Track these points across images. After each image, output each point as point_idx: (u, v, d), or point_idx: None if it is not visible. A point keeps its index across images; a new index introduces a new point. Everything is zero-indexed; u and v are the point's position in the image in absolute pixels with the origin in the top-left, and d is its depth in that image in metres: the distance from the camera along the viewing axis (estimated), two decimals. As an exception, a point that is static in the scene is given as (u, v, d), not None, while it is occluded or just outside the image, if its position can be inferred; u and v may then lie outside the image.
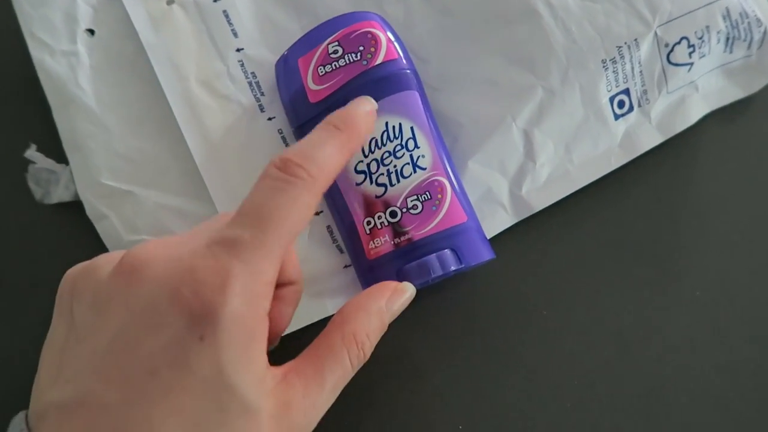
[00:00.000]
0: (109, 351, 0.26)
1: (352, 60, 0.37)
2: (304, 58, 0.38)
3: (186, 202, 0.40)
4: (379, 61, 0.37)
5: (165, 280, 0.26)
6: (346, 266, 0.40)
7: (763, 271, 0.43)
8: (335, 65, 0.37)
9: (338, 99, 0.37)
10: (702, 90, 0.44)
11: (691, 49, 0.42)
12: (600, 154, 0.43)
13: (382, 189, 0.37)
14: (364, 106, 0.33)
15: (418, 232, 0.36)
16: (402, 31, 0.40)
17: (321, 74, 0.37)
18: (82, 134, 0.40)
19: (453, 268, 0.36)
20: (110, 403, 0.25)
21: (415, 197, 0.37)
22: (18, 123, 0.43)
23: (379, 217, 0.37)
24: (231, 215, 0.28)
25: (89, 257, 0.31)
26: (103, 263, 0.29)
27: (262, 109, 0.41)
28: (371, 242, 0.37)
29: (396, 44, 0.38)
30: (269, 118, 0.41)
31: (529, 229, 0.42)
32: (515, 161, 0.42)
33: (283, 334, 0.35)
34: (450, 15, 0.41)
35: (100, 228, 0.40)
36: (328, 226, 0.40)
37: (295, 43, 0.39)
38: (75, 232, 0.41)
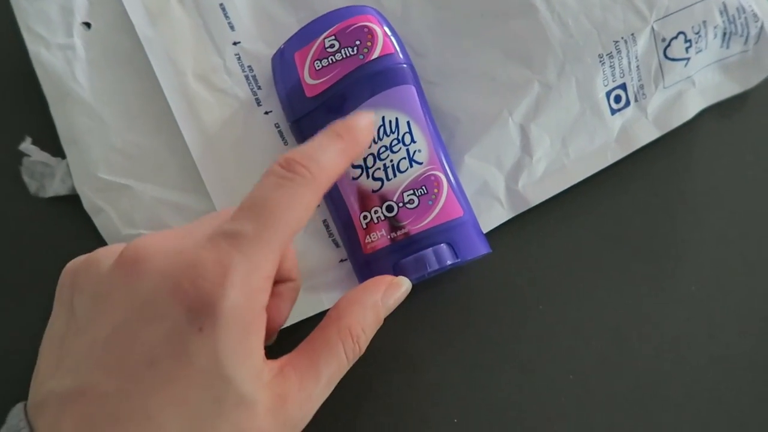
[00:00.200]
0: (109, 342, 0.26)
1: (348, 54, 0.37)
2: (301, 53, 0.38)
3: (183, 197, 0.41)
4: (375, 55, 0.37)
5: (165, 272, 0.27)
6: (341, 260, 0.41)
7: (759, 265, 0.43)
8: (332, 59, 0.38)
9: (335, 93, 0.37)
10: (699, 85, 0.44)
11: (688, 44, 0.43)
12: (596, 148, 0.43)
13: (379, 183, 0.37)
14: (365, 118, 0.34)
15: (414, 226, 0.37)
16: (399, 25, 0.41)
17: (317, 68, 0.38)
18: (78, 128, 0.40)
19: (449, 262, 0.36)
20: (109, 392, 0.26)
21: (412, 192, 0.37)
22: (14, 116, 0.44)
23: (376, 212, 0.37)
24: (233, 211, 0.29)
25: (84, 250, 0.31)
26: (104, 256, 0.29)
27: (258, 103, 0.41)
28: (368, 237, 0.37)
29: (392, 38, 0.38)
30: (266, 112, 0.41)
31: (526, 223, 0.43)
32: (512, 156, 0.42)
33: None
34: (447, 9, 0.42)
35: (98, 222, 0.41)
36: (324, 221, 0.41)
37: (292, 37, 0.39)
38: (70, 226, 0.42)
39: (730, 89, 0.45)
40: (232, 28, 0.41)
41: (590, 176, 0.43)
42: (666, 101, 0.44)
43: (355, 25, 0.38)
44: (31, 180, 0.42)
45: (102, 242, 0.41)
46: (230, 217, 0.28)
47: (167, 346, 0.26)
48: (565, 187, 0.43)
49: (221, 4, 0.41)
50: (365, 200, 0.37)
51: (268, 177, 0.29)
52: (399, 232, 0.37)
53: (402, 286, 0.34)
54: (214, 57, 0.41)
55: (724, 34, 0.44)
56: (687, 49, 0.43)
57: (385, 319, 0.33)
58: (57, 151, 0.42)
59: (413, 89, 0.38)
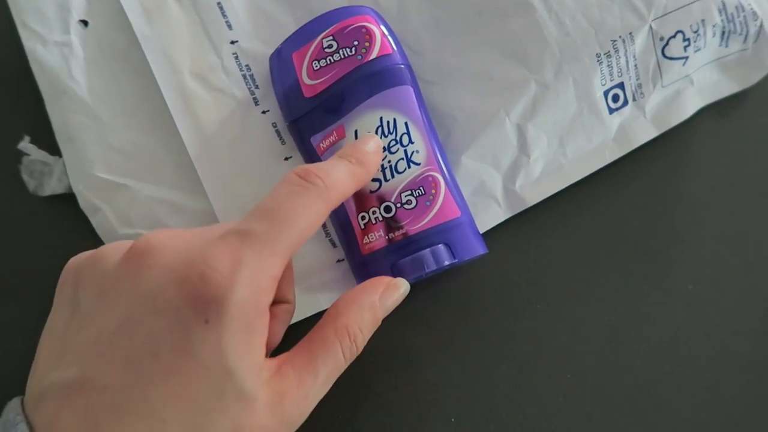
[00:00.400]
0: (114, 334, 0.27)
1: (346, 54, 0.38)
2: (299, 53, 0.39)
3: (180, 196, 0.41)
4: (373, 55, 0.38)
5: (173, 266, 0.27)
6: (339, 260, 0.41)
7: (756, 265, 0.44)
8: (330, 60, 0.38)
9: (333, 94, 0.38)
10: (697, 84, 0.45)
11: (687, 43, 0.43)
12: (594, 148, 0.43)
13: (377, 184, 0.37)
14: (373, 144, 0.36)
15: (412, 227, 0.37)
16: (396, 24, 0.41)
17: (315, 69, 0.38)
18: (75, 126, 0.41)
19: (447, 262, 0.37)
20: (111, 384, 0.26)
21: (409, 192, 0.37)
22: (12, 114, 0.44)
23: (374, 212, 0.37)
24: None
25: (82, 249, 0.32)
26: (110, 252, 0.30)
27: (256, 103, 0.41)
28: (365, 237, 0.38)
29: (390, 39, 0.38)
30: (263, 112, 0.41)
31: (523, 223, 0.43)
32: (509, 155, 0.42)
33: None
34: (444, 8, 0.42)
35: (94, 221, 0.41)
36: (322, 220, 0.41)
37: (289, 37, 0.39)
38: (68, 224, 0.42)
39: (728, 88, 0.46)
40: (229, 26, 0.42)
41: (588, 176, 0.43)
42: (664, 100, 0.44)
43: (353, 26, 0.38)
44: (29, 179, 0.42)
45: (99, 241, 0.41)
46: (244, 217, 0.29)
47: (172, 338, 0.26)
48: (563, 187, 0.43)
49: (219, 3, 0.42)
50: (363, 201, 0.38)
51: (283, 184, 0.30)
52: (397, 233, 0.37)
53: (400, 287, 0.34)
54: (212, 56, 0.41)
55: (723, 32, 0.44)
56: (685, 47, 0.43)
57: (383, 319, 0.33)
58: (55, 149, 0.42)
59: (411, 90, 0.38)
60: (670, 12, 0.42)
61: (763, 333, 0.42)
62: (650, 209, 0.44)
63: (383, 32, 0.38)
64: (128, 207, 0.40)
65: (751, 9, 0.43)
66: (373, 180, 0.37)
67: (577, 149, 0.43)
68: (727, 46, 0.45)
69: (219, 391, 0.26)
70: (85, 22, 0.42)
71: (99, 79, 0.41)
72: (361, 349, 0.32)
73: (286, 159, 0.41)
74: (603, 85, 0.42)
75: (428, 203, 0.37)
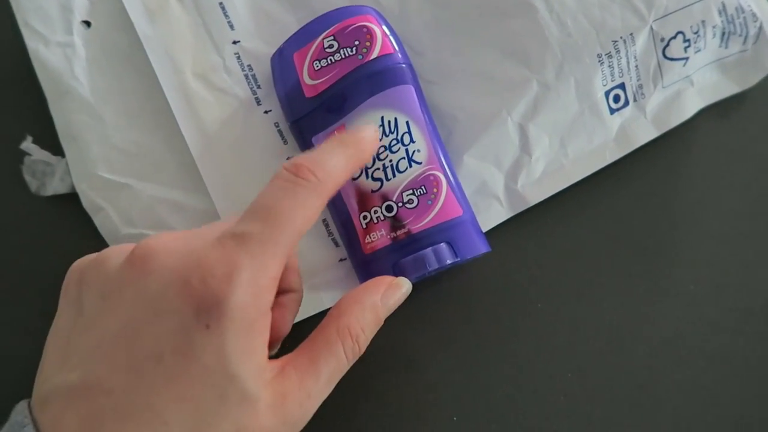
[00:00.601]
0: (117, 337, 0.27)
1: (347, 54, 0.38)
2: (300, 53, 0.39)
3: (182, 195, 0.41)
4: (374, 55, 0.38)
5: (175, 270, 0.27)
6: (341, 260, 0.41)
7: (756, 264, 0.44)
8: (331, 59, 0.38)
9: (334, 93, 0.38)
10: (697, 85, 0.45)
11: (687, 44, 0.43)
12: (595, 148, 0.43)
13: (378, 183, 0.38)
14: (370, 129, 0.35)
15: (414, 226, 0.37)
16: (397, 24, 0.41)
17: (317, 69, 0.38)
18: (77, 126, 0.41)
19: (449, 261, 0.37)
20: (114, 388, 0.26)
21: (411, 191, 0.37)
22: (14, 115, 0.44)
23: (376, 212, 0.38)
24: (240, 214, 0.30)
25: (84, 249, 0.32)
26: (113, 255, 0.30)
27: (258, 102, 0.42)
28: (367, 236, 0.38)
29: (391, 38, 0.39)
30: (265, 111, 0.42)
31: (524, 222, 0.43)
32: (510, 155, 0.42)
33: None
34: (445, 7, 0.42)
35: (97, 220, 0.41)
36: (324, 220, 0.41)
37: (290, 37, 0.39)
38: (71, 224, 0.42)
39: (728, 89, 0.46)
40: (231, 27, 0.42)
41: (589, 176, 0.44)
42: (665, 101, 0.44)
43: (354, 25, 0.38)
44: (32, 179, 0.42)
45: (102, 241, 0.41)
46: (239, 218, 0.29)
47: (174, 342, 0.26)
48: (564, 187, 0.43)
49: (221, 3, 0.42)
50: (365, 200, 0.38)
51: (275, 181, 0.30)
52: (399, 232, 0.37)
53: (402, 287, 0.34)
54: (214, 56, 0.42)
55: (723, 33, 0.44)
56: (686, 48, 0.43)
57: (384, 318, 0.33)
58: (57, 149, 0.42)
59: (412, 89, 0.38)
60: (670, 13, 0.42)
61: (763, 333, 0.43)
62: (651, 209, 0.44)
63: (384, 32, 0.38)
64: (131, 206, 0.41)
65: (751, 10, 0.44)
66: (375, 179, 0.38)
67: (579, 149, 0.43)
68: (727, 47, 0.45)
69: (222, 394, 0.27)
70: (87, 23, 0.42)
71: (101, 79, 0.42)
72: (363, 349, 0.32)
73: (288, 158, 0.41)
74: (604, 85, 0.43)
75: (430, 202, 0.37)
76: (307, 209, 0.30)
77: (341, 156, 0.32)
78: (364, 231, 0.38)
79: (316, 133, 0.39)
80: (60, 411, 0.27)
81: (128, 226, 0.41)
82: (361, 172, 0.38)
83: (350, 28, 0.38)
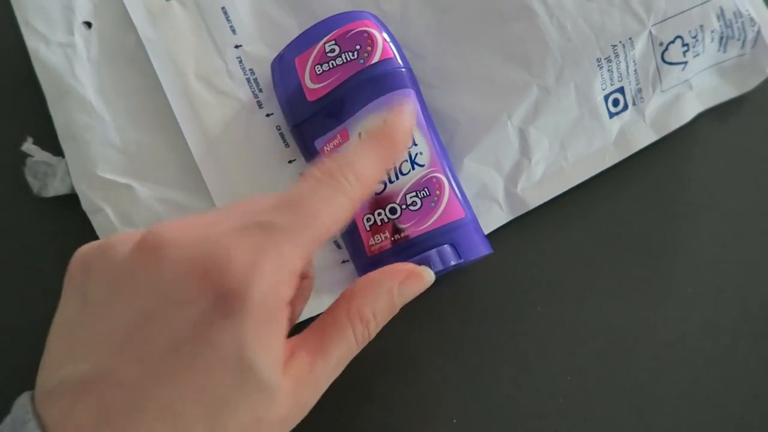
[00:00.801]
0: (130, 327, 0.26)
1: (349, 59, 0.38)
2: (301, 57, 0.39)
3: (183, 196, 0.41)
4: (375, 59, 0.38)
5: (192, 258, 0.27)
6: (343, 261, 0.42)
7: (756, 268, 0.44)
8: (332, 64, 0.39)
9: (336, 97, 0.39)
10: (696, 89, 0.46)
11: (686, 48, 0.44)
12: (594, 151, 0.44)
13: (382, 186, 0.38)
14: (405, 120, 0.33)
15: (417, 228, 0.38)
16: (398, 28, 0.42)
17: (318, 73, 0.39)
18: (77, 126, 0.41)
19: (453, 262, 0.37)
20: (127, 379, 0.26)
21: (414, 194, 0.38)
22: (15, 116, 0.44)
23: (379, 214, 0.38)
24: (260, 201, 0.29)
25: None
26: (119, 242, 0.29)
27: (260, 106, 0.42)
28: (371, 239, 0.38)
29: (391, 43, 0.39)
30: (267, 115, 0.42)
31: (524, 225, 0.44)
32: (510, 158, 0.43)
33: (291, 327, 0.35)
34: (446, 12, 0.43)
35: (96, 221, 0.41)
36: (326, 222, 0.42)
37: (291, 42, 0.40)
38: (72, 225, 0.42)
39: (727, 93, 0.47)
40: (233, 31, 0.42)
41: (589, 179, 0.44)
42: (664, 104, 0.45)
43: (355, 30, 0.39)
44: (34, 180, 0.43)
45: (103, 242, 0.41)
46: (267, 207, 0.28)
47: (191, 332, 0.26)
48: (564, 190, 0.44)
49: (223, 8, 0.42)
50: (368, 203, 0.38)
51: (307, 179, 0.29)
52: (402, 234, 0.38)
53: (423, 277, 0.33)
54: (216, 59, 0.42)
55: (721, 38, 0.45)
56: (684, 53, 0.44)
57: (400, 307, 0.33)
58: (58, 150, 0.42)
59: (413, 93, 0.39)
60: (669, 17, 0.43)
61: (763, 334, 0.43)
62: (650, 212, 0.45)
63: (384, 37, 0.39)
64: (131, 207, 0.41)
65: (749, 15, 0.44)
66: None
67: (578, 153, 0.44)
68: (725, 51, 0.46)
69: (239, 385, 0.26)
70: (88, 24, 0.43)
71: (102, 79, 0.42)
72: (374, 334, 0.31)
73: (290, 162, 0.42)
74: (603, 89, 0.43)
75: (433, 204, 0.38)
76: (337, 210, 0.29)
77: (372, 157, 0.31)
78: (367, 233, 0.38)
79: (317, 137, 0.39)
80: (69, 404, 0.26)
81: (128, 227, 0.41)
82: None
83: (351, 33, 0.39)
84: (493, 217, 0.43)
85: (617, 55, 0.43)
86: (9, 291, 0.42)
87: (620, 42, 0.42)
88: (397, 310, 0.33)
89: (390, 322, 0.33)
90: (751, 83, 0.47)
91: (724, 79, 0.47)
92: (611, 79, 0.43)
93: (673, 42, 0.43)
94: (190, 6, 0.42)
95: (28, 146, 0.43)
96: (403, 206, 0.38)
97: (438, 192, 0.38)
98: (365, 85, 0.38)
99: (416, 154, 0.38)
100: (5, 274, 0.42)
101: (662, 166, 0.46)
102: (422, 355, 0.42)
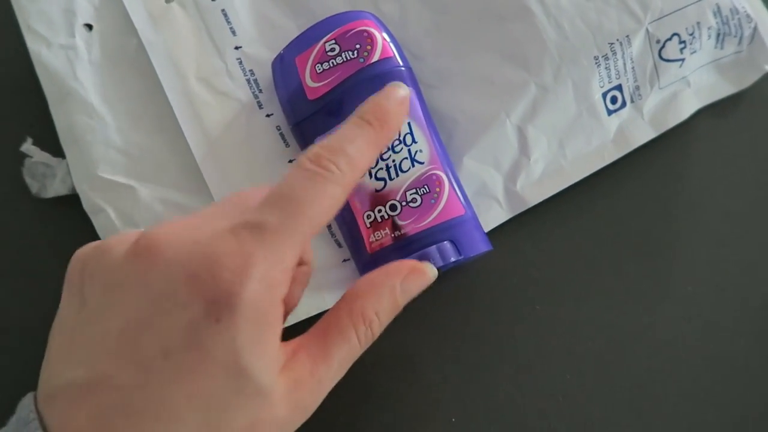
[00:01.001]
0: (123, 332, 0.26)
1: (349, 58, 0.39)
2: (302, 56, 0.40)
3: (184, 197, 0.42)
4: (375, 58, 0.39)
5: (183, 263, 0.27)
6: (344, 260, 0.42)
7: (755, 266, 0.45)
8: (333, 63, 0.39)
9: (336, 96, 0.39)
10: (694, 85, 0.46)
11: (683, 45, 0.44)
12: (593, 149, 0.44)
13: (382, 183, 0.38)
14: (397, 95, 0.33)
15: (417, 224, 0.38)
16: (397, 29, 0.42)
17: (319, 72, 0.39)
18: (79, 127, 0.42)
19: (453, 259, 0.38)
20: (123, 385, 0.26)
21: (414, 191, 0.38)
22: (14, 117, 0.45)
23: (379, 211, 0.38)
24: (252, 195, 0.29)
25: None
26: (116, 243, 0.29)
27: (260, 106, 0.42)
28: (372, 236, 0.39)
29: (391, 43, 0.40)
30: (267, 115, 0.42)
31: (523, 224, 0.44)
32: (509, 157, 0.43)
33: (289, 316, 0.34)
34: (444, 13, 0.43)
35: (97, 222, 0.41)
36: (327, 221, 0.42)
37: (292, 42, 0.40)
38: (72, 226, 0.42)
39: (725, 89, 0.47)
40: (233, 32, 0.43)
41: (588, 177, 0.44)
42: (662, 102, 0.46)
43: (355, 30, 0.39)
44: (32, 181, 0.43)
45: (104, 243, 0.41)
46: (256, 206, 0.28)
47: (183, 337, 0.26)
48: (563, 188, 0.44)
49: (223, 10, 0.43)
50: (369, 200, 0.39)
51: (295, 171, 0.29)
52: (402, 231, 0.38)
53: (426, 272, 0.33)
54: (216, 60, 0.43)
55: (718, 34, 0.45)
56: (681, 50, 0.44)
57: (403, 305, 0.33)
58: (58, 151, 0.43)
59: (412, 91, 0.39)
60: (665, 15, 0.43)
61: (763, 333, 0.43)
62: (648, 210, 0.45)
63: (384, 36, 0.40)
64: (132, 208, 0.41)
65: (745, 11, 0.45)
66: (378, 179, 0.38)
67: (577, 150, 0.44)
68: (722, 48, 0.46)
69: (234, 388, 0.26)
70: (89, 26, 0.43)
71: (104, 81, 0.43)
72: (377, 334, 0.31)
73: (290, 161, 0.42)
74: (601, 87, 0.44)
75: (433, 201, 0.38)
76: (328, 199, 0.29)
77: (363, 140, 0.31)
78: (368, 230, 0.39)
79: (318, 135, 0.39)
80: (68, 408, 0.26)
81: (129, 227, 0.41)
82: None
83: (351, 32, 0.39)
84: (493, 216, 0.43)
85: (614, 53, 0.43)
86: (10, 292, 0.42)
87: (617, 40, 0.43)
88: (400, 309, 0.32)
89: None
90: (749, 80, 0.47)
91: (722, 76, 0.47)
92: (609, 76, 0.44)
93: (670, 39, 0.44)
94: (190, 8, 0.43)
95: (28, 147, 0.43)
96: (403, 203, 0.38)
97: (438, 189, 0.38)
98: (365, 84, 0.39)
99: (416, 152, 0.39)
100: (6, 274, 0.43)
101: (661, 163, 0.46)
102: (421, 354, 0.42)
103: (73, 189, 0.42)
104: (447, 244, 0.38)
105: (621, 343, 0.43)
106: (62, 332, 0.29)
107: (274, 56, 0.41)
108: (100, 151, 0.42)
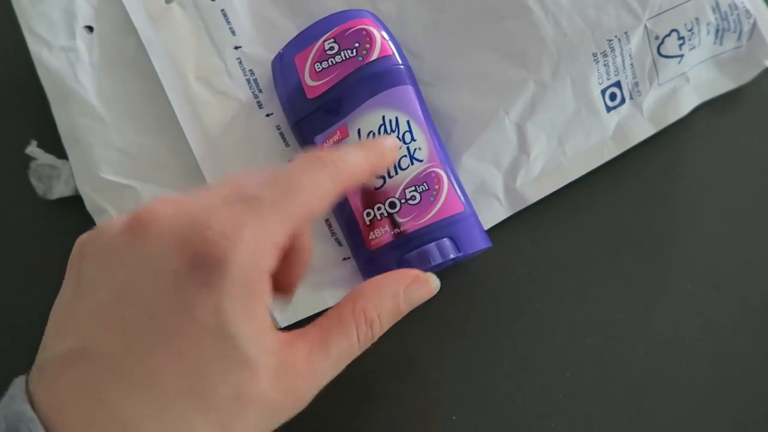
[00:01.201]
0: (112, 300, 0.27)
1: (348, 56, 0.39)
2: (301, 55, 0.40)
3: (184, 197, 0.42)
4: (374, 57, 0.39)
5: (173, 229, 0.27)
6: (345, 258, 0.42)
7: (753, 263, 0.45)
8: (332, 61, 0.39)
9: (335, 94, 0.39)
10: (693, 81, 0.46)
11: (681, 41, 0.44)
12: (592, 146, 0.45)
13: (381, 181, 0.39)
14: (390, 139, 0.37)
15: (417, 222, 0.38)
16: (395, 28, 0.42)
17: (318, 70, 0.40)
18: (80, 129, 0.42)
19: (452, 255, 0.38)
20: (108, 351, 0.26)
21: (414, 188, 0.39)
22: (19, 120, 0.45)
23: (379, 208, 0.39)
24: (250, 177, 0.30)
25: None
26: (113, 223, 0.29)
27: (260, 106, 0.43)
28: (371, 233, 0.39)
29: (390, 41, 0.40)
30: (267, 115, 0.43)
31: (523, 221, 0.44)
32: (509, 154, 0.44)
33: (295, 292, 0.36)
34: (442, 11, 0.44)
35: (100, 222, 0.42)
36: (327, 220, 0.42)
37: (291, 40, 0.41)
38: (77, 227, 0.40)
39: (724, 85, 0.47)
40: (233, 32, 0.43)
41: (587, 174, 0.45)
42: (661, 98, 0.46)
43: (354, 28, 0.40)
44: (38, 183, 0.44)
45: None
46: (251, 184, 0.29)
47: (170, 301, 0.26)
48: (562, 185, 0.44)
49: (222, 10, 0.43)
50: (368, 197, 0.39)
51: (293, 162, 0.31)
52: (402, 228, 0.38)
53: (429, 283, 0.34)
54: (216, 60, 0.43)
55: (717, 30, 0.45)
56: (680, 46, 0.45)
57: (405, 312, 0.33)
58: (62, 152, 0.43)
59: (411, 89, 0.40)
60: (664, 11, 0.44)
61: (762, 332, 0.43)
62: (648, 207, 0.45)
63: (382, 35, 0.40)
64: (133, 207, 0.40)
65: (744, 7, 0.45)
66: (378, 177, 0.39)
67: (576, 147, 0.44)
68: (721, 44, 0.46)
69: (220, 355, 0.26)
70: (90, 28, 0.43)
71: (104, 82, 0.43)
72: (377, 335, 0.32)
73: (290, 161, 0.42)
74: (600, 83, 0.44)
75: (432, 198, 0.38)
76: (322, 191, 0.30)
77: (360, 154, 0.33)
78: (368, 227, 0.39)
79: (317, 134, 0.40)
80: (54, 378, 0.26)
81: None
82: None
83: (350, 31, 0.39)
84: (492, 213, 0.44)
85: (613, 50, 0.43)
86: (15, 292, 0.43)
87: (616, 36, 0.43)
88: (401, 315, 0.33)
89: (389, 320, 0.33)
90: (748, 75, 0.47)
91: (721, 72, 0.47)
92: (608, 73, 0.44)
93: (668, 35, 0.44)
94: (189, 8, 0.43)
95: (32, 149, 0.43)
96: (403, 200, 0.39)
97: (437, 186, 0.39)
98: (364, 82, 0.39)
99: (415, 150, 0.39)
100: (11, 275, 0.43)
101: (660, 160, 0.46)
102: (420, 353, 0.42)
103: (77, 190, 0.43)
104: (446, 241, 0.38)
105: (620, 340, 0.43)
106: (57, 313, 0.29)
107: (274, 56, 0.42)
108: (102, 152, 0.42)
